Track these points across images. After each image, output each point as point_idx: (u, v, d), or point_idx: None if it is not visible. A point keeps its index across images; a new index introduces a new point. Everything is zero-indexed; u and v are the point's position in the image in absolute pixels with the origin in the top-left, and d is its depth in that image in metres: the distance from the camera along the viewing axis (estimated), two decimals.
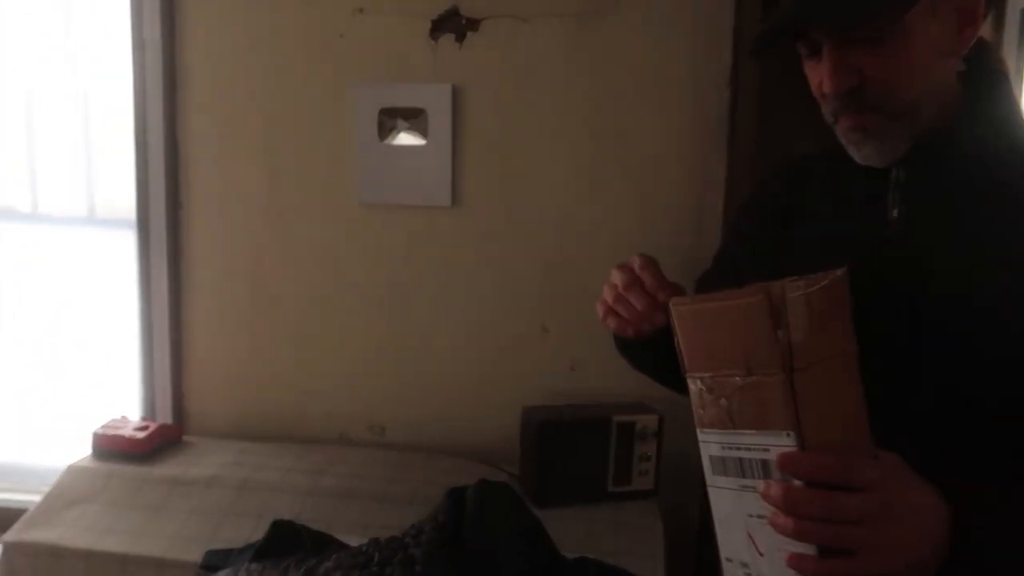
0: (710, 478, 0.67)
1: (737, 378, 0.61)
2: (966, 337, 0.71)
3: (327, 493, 1.51)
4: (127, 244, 1.90)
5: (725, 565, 0.68)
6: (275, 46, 1.79)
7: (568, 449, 1.49)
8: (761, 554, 0.63)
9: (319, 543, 1.08)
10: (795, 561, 0.60)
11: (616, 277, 0.87)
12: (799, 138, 1.51)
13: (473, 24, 1.75)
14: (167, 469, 1.62)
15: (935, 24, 0.70)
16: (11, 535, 1.45)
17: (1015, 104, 0.77)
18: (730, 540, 0.66)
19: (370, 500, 1.49)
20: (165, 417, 1.88)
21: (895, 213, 0.76)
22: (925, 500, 0.61)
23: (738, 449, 0.63)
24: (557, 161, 1.75)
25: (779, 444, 0.59)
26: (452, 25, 1.75)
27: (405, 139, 1.77)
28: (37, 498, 1.56)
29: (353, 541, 1.09)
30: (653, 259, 0.87)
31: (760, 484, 0.61)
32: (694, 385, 0.66)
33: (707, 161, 1.73)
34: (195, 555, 1.32)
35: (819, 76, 0.74)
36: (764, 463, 0.61)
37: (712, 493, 0.67)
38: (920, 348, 0.72)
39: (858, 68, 0.71)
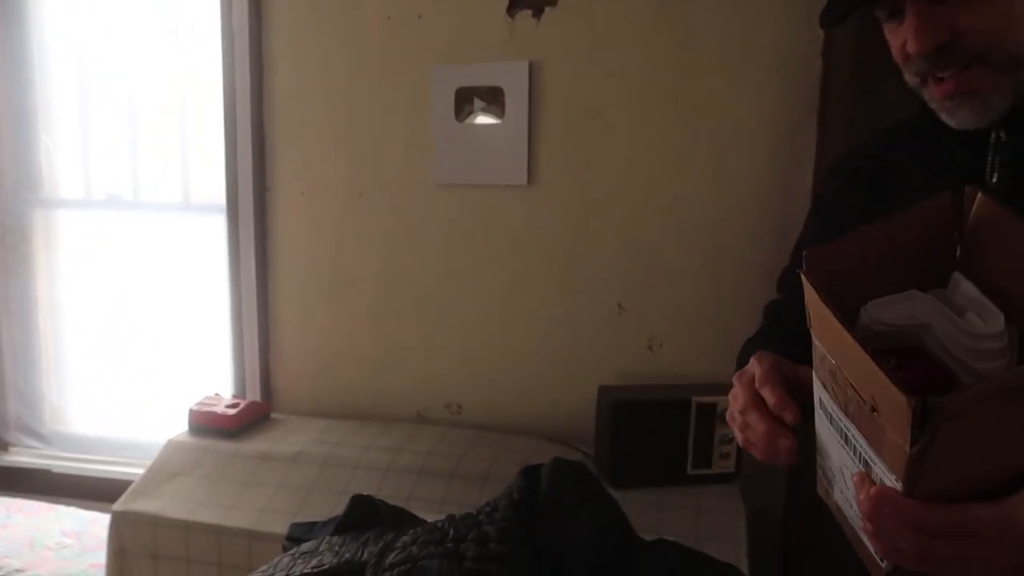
0: (817, 405, 0.61)
1: (858, 398, 0.53)
2: None
3: (404, 469, 1.54)
4: (219, 228, 1.99)
5: (818, 468, 0.65)
6: (355, 31, 1.81)
7: (645, 430, 1.46)
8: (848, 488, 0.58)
9: (397, 518, 1.09)
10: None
11: (735, 394, 0.74)
12: (896, 111, 1.42)
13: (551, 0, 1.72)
14: (256, 445, 1.69)
15: None
16: (119, 505, 1.55)
17: None
18: (824, 456, 0.62)
19: (445, 477, 1.50)
20: (254, 395, 1.96)
21: (995, 178, 0.72)
22: None
23: (845, 427, 0.56)
24: (636, 137, 1.71)
25: (885, 474, 0.52)
26: (530, 1, 1.73)
27: (482, 118, 1.77)
28: (141, 471, 1.66)
29: (429, 517, 1.10)
30: (777, 364, 0.71)
31: (854, 469, 0.56)
32: (817, 344, 0.58)
33: (796, 136, 1.64)
34: (282, 527, 1.36)
35: (902, 37, 0.69)
36: (866, 462, 0.54)
37: (816, 415, 0.62)
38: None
39: (947, 24, 0.66)
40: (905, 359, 0.55)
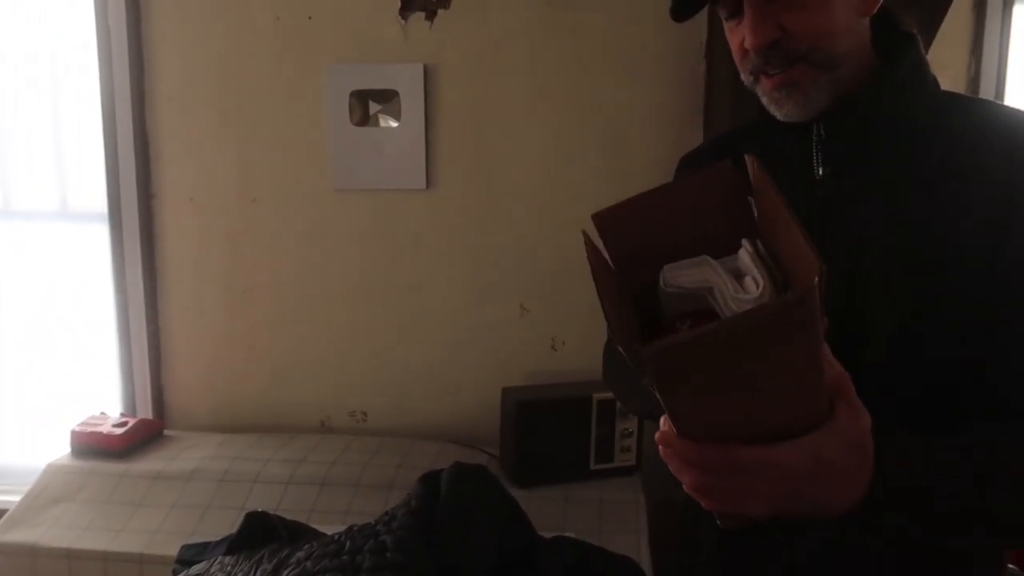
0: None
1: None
2: (903, 288, 0.73)
3: (307, 481, 1.50)
4: (102, 238, 1.87)
5: None
6: (244, 30, 1.75)
7: (548, 429, 1.48)
8: None
9: (294, 533, 1.06)
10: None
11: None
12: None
13: (443, 1, 1.71)
14: (147, 464, 1.60)
15: None
16: None
17: (926, 64, 0.78)
18: None
19: (350, 487, 1.48)
20: (145, 412, 1.86)
21: (820, 172, 0.78)
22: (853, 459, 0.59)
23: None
24: (532, 137, 1.73)
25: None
26: (422, 3, 1.72)
27: (377, 121, 1.74)
28: (17, 498, 1.54)
29: (331, 529, 1.08)
30: None
31: None
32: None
33: (684, 132, 1.70)
34: (175, 550, 1.30)
35: (740, 35, 0.74)
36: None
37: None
38: (862, 302, 0.73)
39: (779, 23, 0.72)
40: (698, 320, 0.61)
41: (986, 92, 1.80)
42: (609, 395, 1.52)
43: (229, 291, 1.83)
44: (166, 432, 1.79)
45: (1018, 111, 0.76)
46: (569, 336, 1.76)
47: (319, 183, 1.77)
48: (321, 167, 1.76)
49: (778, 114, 0.77)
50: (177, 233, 1.84)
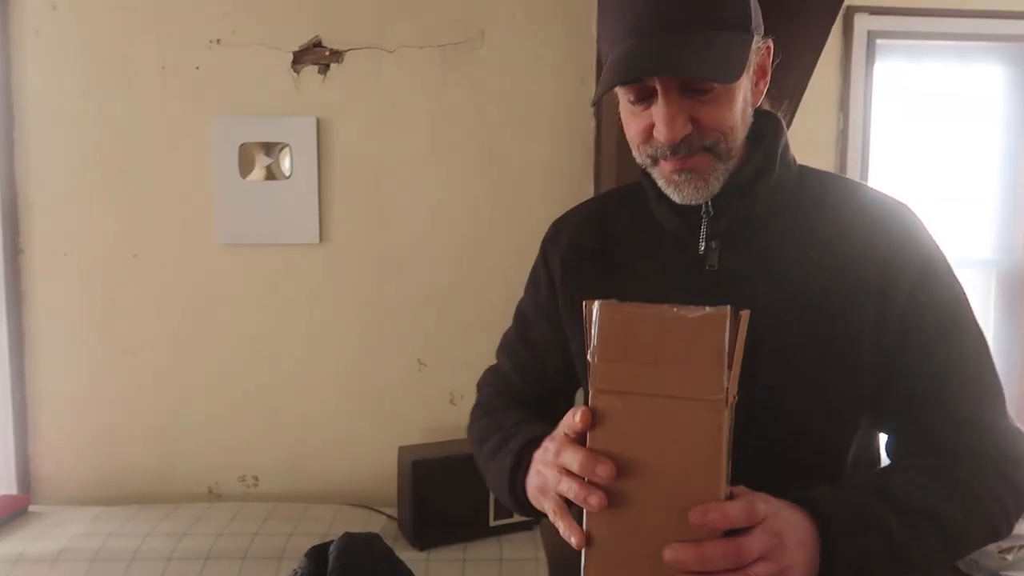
0: None
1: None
2: (783, 352, 0.78)
3: (190, 556, 1.41)
4: None
5: None
6: (126, 79, 1.69)
7: (446, 487, 1.45)
8: None
9: None
10: None
11: (545, 448, 0.73)
12: None
13: (337, 55, 1.71)
14: (9, 546, 1.46)
15: (746, 79, 0.76)
16: None
17: (788, 143, 0.85)
18: None
19: (238, 559, 1.39)
20: (8, 487, 1.71)
21: (704, 246, 0.82)
22: (795, 518, 0.64)
23: None
24: (428, 190, 1.73)
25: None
26: (315, 57, 1.71)
27: (268, 175, 1.70)
28: None
29: None
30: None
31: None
32: None
33: (575, 186, 1.76)
34: None
35: (644, 122, 0.77)
36: None
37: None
38: (762, 374, 0.77)
39: (690, 116, 0.75)
40: None
41: (853, 143, 1.95)
42: None
43: (107, 352, 1.72)
44: (32, 508, 1.65)
45: (862, 186, 0.85)
46: (468, 390, 1.74)
47: (205, 238, 1.70)
48: (207, 221, 1.70)
49: (675, 196, 0.80)
50: (48, 290, 1.72)
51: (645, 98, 0.76)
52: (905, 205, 0.84)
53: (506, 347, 1.02)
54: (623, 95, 0.78)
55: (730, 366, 0.59)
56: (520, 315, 1.01)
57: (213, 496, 1.74)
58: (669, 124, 0.74)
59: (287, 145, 1.69)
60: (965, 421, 0.78)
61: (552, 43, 1.73)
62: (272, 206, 1.70)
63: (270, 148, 1.70)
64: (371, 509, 1.59)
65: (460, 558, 1.42)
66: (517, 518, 1.52)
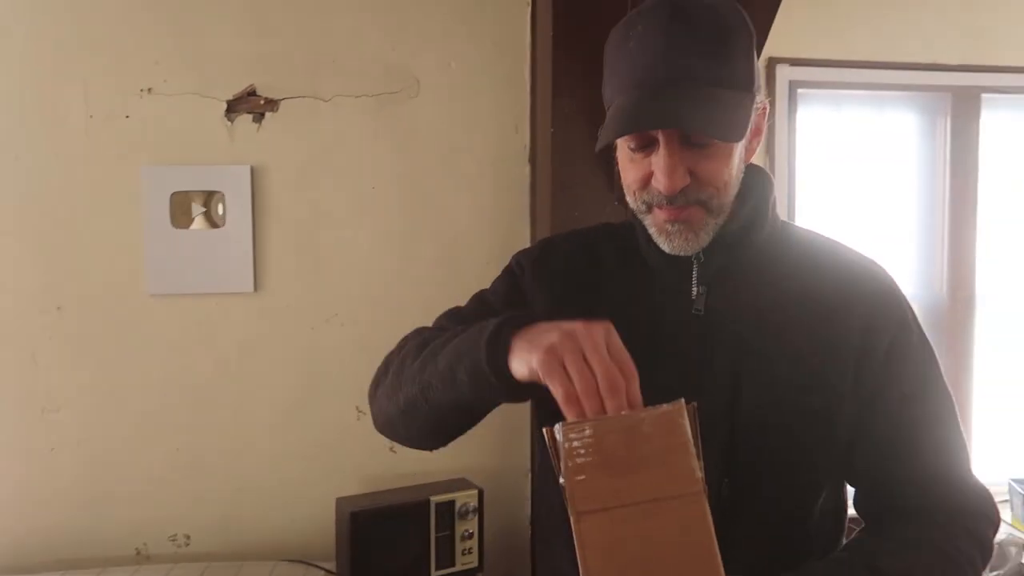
0: None
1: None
2: (767, 397, 0.81)
3: None
4: None
5: None
6: (50, 128, 1.65)
7: (385, 537, 1.42)
8: None
9: None
10: None
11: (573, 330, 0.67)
12: (585, 210, 1.61)
13: (271, 104, 1.71)
14: None
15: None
16: None
17: (775, 195, 0.89)
18: None
19: None
20: None
21: (696, 291, 0.85)
22: None
23: None
24: (364, 238, 1.73)
25: None
26: (249, 105, 1.71)
27: (200, 224, 1.68)
28: None
29: None
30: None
31: None
32: None
33: (512, 231, 1.78)
34: None
35: (643, 170, 0.79)
36: None
37: None
38: (739, 411, 0.81)
39: (689, 169, 0.77)
40: None
41: (779, 185, 2.04)
42: (449, 496, 1.49)
43: (27, 410, 1.65)
44: None
45: (840, 243, 0.91)
46: None
47: (133, 288, 1.66)
48: (135, 271, 1.66)
49: (665, 246, 0.82)
50: None
51: (646, 146, 0.78)
52: (880, 264, 0.90)
53: (455, 317, 0.93)
54: (624, 142, 0.80)
55: (698, 455, 0.61)
56: (483, 302, 0.94)
57: (142, 558, 1.66)
58: (670, 175, 0.76)
59: (221, 193, 1.67)
60: (936, 478, 0.84)
61: (487, 92, 1.77)
62: (205, 255, 1.67)
63: (206, 197, 1.68)
64: (308, 564, 1.55)
65: None
66: (460, 566, 1.49)
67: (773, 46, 1.77)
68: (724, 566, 0.68)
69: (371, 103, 1.74)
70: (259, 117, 1.71)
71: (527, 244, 1.79)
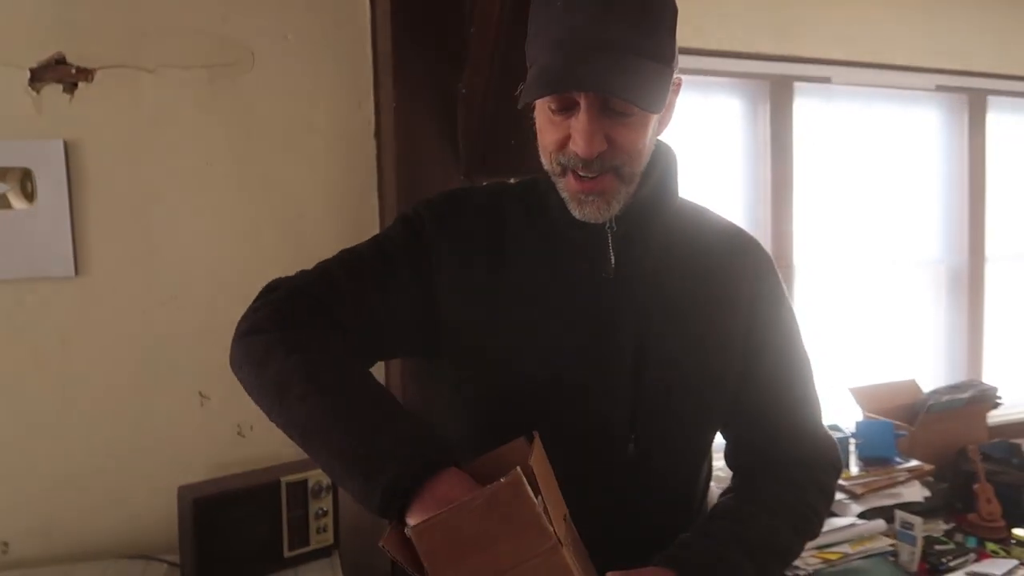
0: None
1: None
2: (669, 355, 0.87)
3: None
4: None
5: None
6: None
7: (231, 524, 1.38)
8: None
9: None
10: None
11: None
12: (433, 185, 1.63)
13: (85, 73, 1.58)
14: None
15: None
16: None
17: (677, 164, 0.93)
18: None
19: None
20: None
21: (613, 261, 0.88)
22: None
23: None
24: (200, 216, 1.65)
25: None
26: (58, 74, 1.57)
27: (7, 203, 1.53)
28: None
29: None
30: None
31: None
32: None
33: (359, 208, 1.76)
34: None
35: (561, 132, 0.80)
36: None
37: None
38: (645, 371, 0.86)
39: (606, 135, 0.78)
40: None
41: None
42: (301, 476, 1.47)
43: None
44: None
45: (723, 216, 0.99)
46: (257, 419, 1.66)
47: None
48: None
49: (576, 213, 0.84)
50: None
51: (566, 109, 0.79)
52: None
53: (349, 265, 0.89)
54: (544, 103, 0.80)
55: (545, 510, 0.65)
56: (381, 250, 0.90)
57: None
58: (588, 139, 0.77)
59: (28, 170, 1.53)
60: (798, 430, 0.94)
61: (327, 66, 1.73)
62: (14, 237, 1.52)
63: (7, 173, 1.52)
64: (149, 558, 1.46)
65: None
66: (314, 545, 1.47)
67: None
68: (626, 526, 0.75)
69: (202, 75, 1.65)
70: (71, 87, 1.57)
71: (376, 221, 1.77)
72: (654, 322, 0.87)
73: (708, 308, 0.90)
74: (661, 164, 0.90)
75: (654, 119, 0.82)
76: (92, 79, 1.58)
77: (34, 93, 1.54)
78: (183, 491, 1.41)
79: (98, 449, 1.57)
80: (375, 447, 0.71)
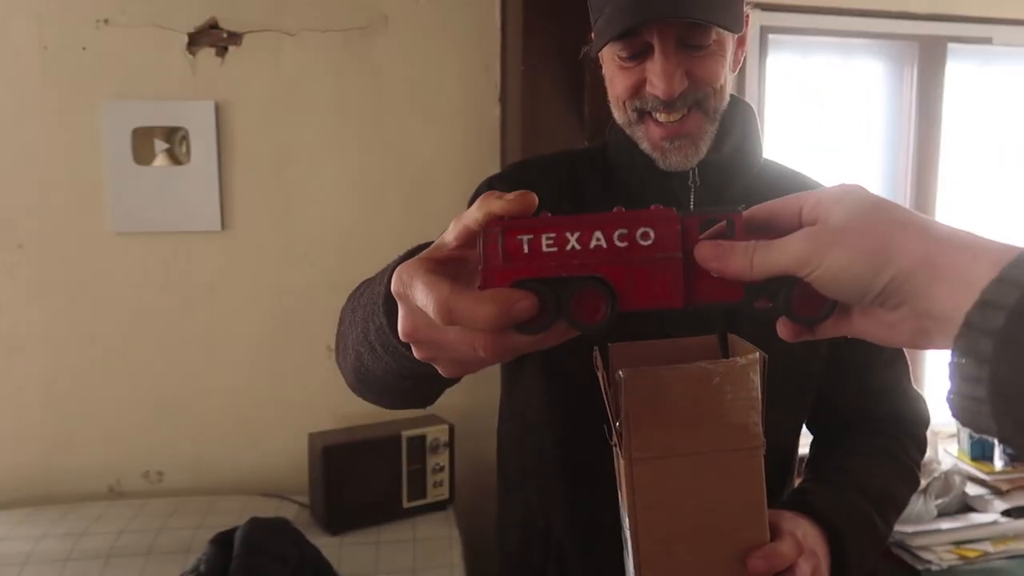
0: None
1: None
2: (768, 316, 0.82)
3: (90, 556, 1.36)
4: None
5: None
6: (1, 59, 1.59)
7: (357, 471, 1.46)
8: None
9: None
10: None
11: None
12: (556, 150, 1.61)
13: (235, 38, 1.67)
14: None
15: (732, 40, 0.79)
16: None
17: (756, 120, 0.88)
18: None
19: (141, 556, 1.35)
20: None
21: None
22: (813, 532, 0.72)
23: None
24: (332, 176, 1.72)
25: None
26: (212, 39, 1.66)
27: (164, 161, 1.65)
28: None
29: None
30: None
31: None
32: None
33: (481, 172, 1.76)
34: None
35: (634, 76, 0.77)
36: None
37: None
38: (738, 331, 0.80)
39: (687, 71, 0.75)
40: None
41: None
42: (418, 431, 1.53)
43: None
44: None
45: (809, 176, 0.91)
46: None
47: (96, 226, 1.63)
48: (98, 209, 1.63)
49: (661, 163, 0.80)
50: None
51: (638, 55, 0.76)
52: None
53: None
54: (612, 51, 0.78)
55: (761, 409, 0.60)
56: None
57: (114, 494, 1.67)
58: (668, 78, 0.74)
59: (184, 130, 1.63)
60: (884, 388, 0.91)
61: (456, 29, 1.75)
62: (170, 193, 1.64)
63: (169, 133, 1.64)
64: (282, 498, 1.58)
65: (374, 541, 1.43)
66: (431, 498, 1.53)
67: None
68: None
69: (337, 38, 1.70)
70: (222, 51, 1.66)
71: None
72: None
73: None
74: (740, 122, 0.85)
75: (730, 52, 0.78)
76: (240, 43, 1.66)
77: (190, 56, 1.64)
78: (313, 438, 1.51)
79: (238, 393, 1.70)
80: (374, 284, 0.61)
